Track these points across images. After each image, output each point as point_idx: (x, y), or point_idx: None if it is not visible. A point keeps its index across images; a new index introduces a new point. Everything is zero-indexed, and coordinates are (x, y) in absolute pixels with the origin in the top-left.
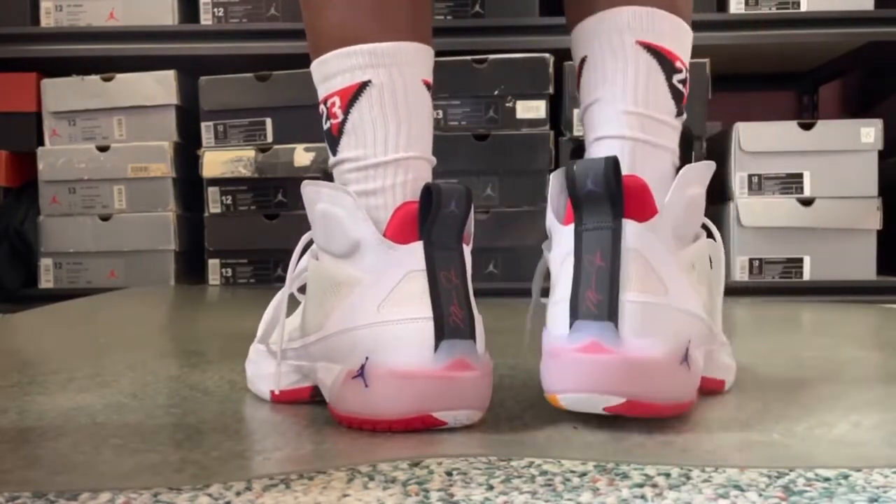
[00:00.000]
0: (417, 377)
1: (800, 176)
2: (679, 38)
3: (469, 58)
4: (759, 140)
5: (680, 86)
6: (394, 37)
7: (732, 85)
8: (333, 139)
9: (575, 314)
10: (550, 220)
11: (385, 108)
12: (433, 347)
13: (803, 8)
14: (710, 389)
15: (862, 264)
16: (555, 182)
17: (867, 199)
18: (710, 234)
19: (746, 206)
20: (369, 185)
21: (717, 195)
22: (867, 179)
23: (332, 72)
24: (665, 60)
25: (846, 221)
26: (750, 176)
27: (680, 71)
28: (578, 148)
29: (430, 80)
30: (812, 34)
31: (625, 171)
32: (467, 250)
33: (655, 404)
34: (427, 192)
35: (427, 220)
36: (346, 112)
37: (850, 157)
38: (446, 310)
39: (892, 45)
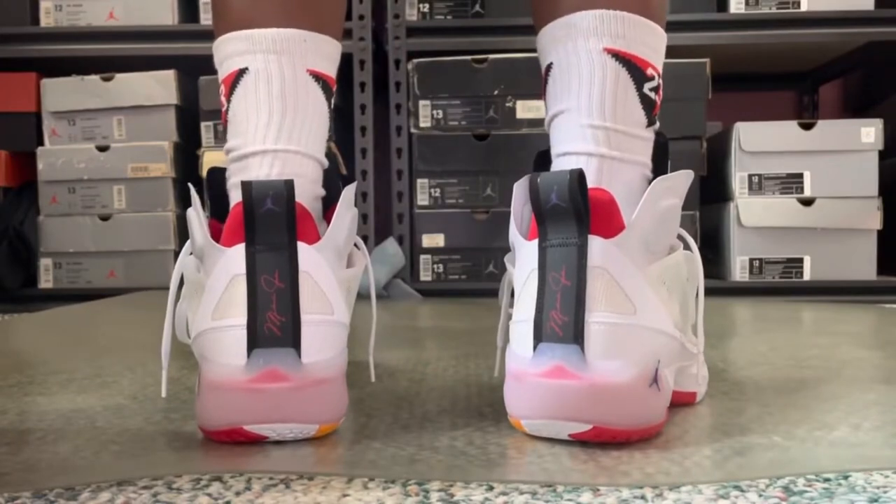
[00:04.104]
0: (225, 389)
1: (800, 176)
2: (651, 42)
3: (469, 58)
4: (759, 140)
5: (651, 94)
6: (280, 23)
7: (732, 85)
8: (225, 128)
9: (539, 335)
10: (513, 233)
11: (259, 95)
12: (245, 357)
13: (803, 8)
14: (681, 402)
15: (862, 264)
16: (518, 193)
17: (867, 199)
18: (687, 246)
19: (746, 206)
20: (241, 176)
21: (717, 195)
22: (867, 179)
23: (220, 58)
24: (635, 69)
25: (846, 221)
26: (750, 176)
27: (652, 78)
28: (542, 155)
29: (325, 71)
30: (812, 34)
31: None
32: (323, 246)
33: (623, 430)
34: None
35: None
36: (229, 100)
37: (850, 157)
38: (262, 316)
39: (892, 45)
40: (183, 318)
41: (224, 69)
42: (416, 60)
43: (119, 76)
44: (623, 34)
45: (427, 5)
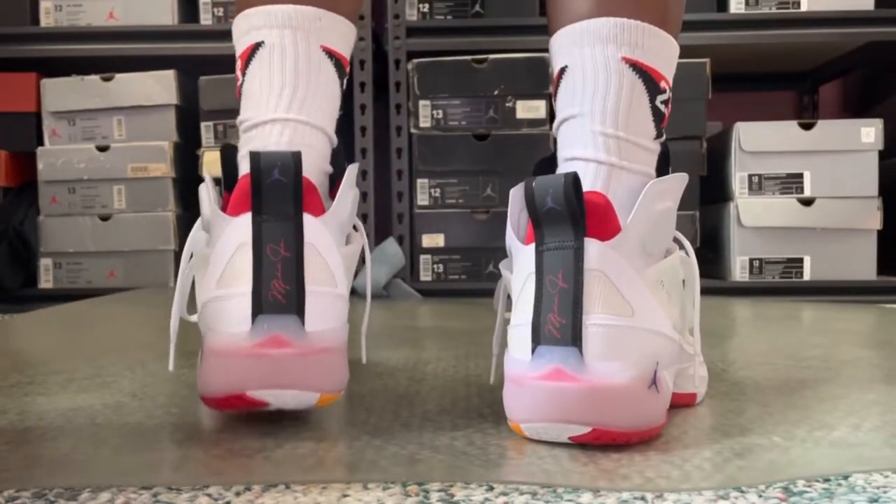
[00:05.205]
0: (228, 354)
1: (800, 176)
2: (666, 55)
3: (469, 58)
4: (759, 140)
5: (662, 107)
6: (296, 0)
7: (732, 85)
8: (239, 103)
9: (537, 339)
10: (510, 238)
11: (273, 68)
12: (249, 323)
13: (803, 8)
14: (681, 404)
15: (862, 264)
16: (514, 199)
17: (867, 199)
18: (683, 249)
19: (746, 206)
20: (251, 145)
21: (717, 195)
22: (867, 179)
23: (238, 34)
24: (650, 80)
25: (846, 221)
26: (750, 176)
27: (664, 91)
28: (542, 163)
29: (338, 50)
30: (812, 34)
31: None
32: (328, 220)
33: (623, 432)
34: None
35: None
36: (245, 73)
37: (850, 157)
38: (266, 284)
39: (892, 45)
40: (186, 295)
41: (241, 44)
42: (416, 60)
43: (119, 76)
44: (642, 44)
45: (427, 5)
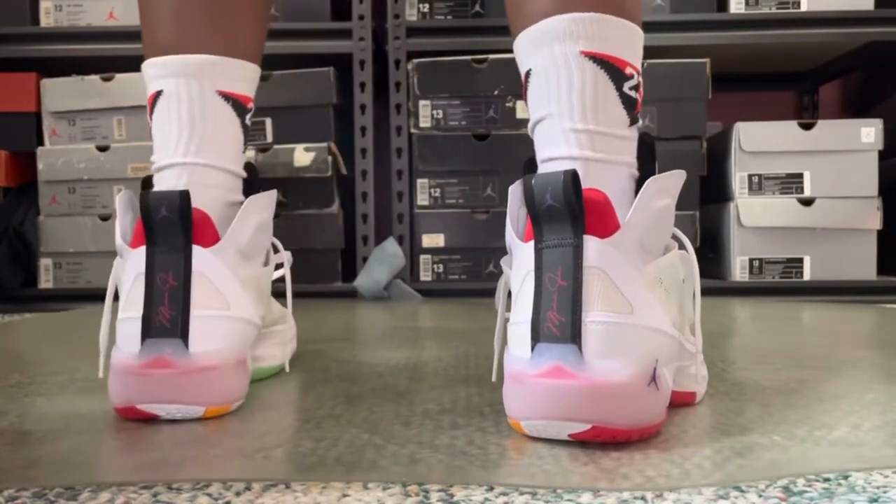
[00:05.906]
0: (122, 372)
1: (800, 176)
2: (628, 42)
3: (469, 58)
4: (759, 140)
5: (632, 93)
6: (191, 50)
7: (732, 85)
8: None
9: (537, 336)
10: (510, 235)
11: (171, 115)
12: (139, 345)
13: (803, 8)
14: (681, 402)
15: (862, 264)
16: (514, 196)
17: (867, 199)
18: (682, 246)
19: (746, 206)
20: (159, 186)
21: (717, 195)
22: (867, 179)
23: (145, 80)
24: (614, 69)
25: (846, 221)
26: (750, 176)
27: (631, 77)
28: (531, 162)
29: (236, 91)
30: (812, 34)
31: None
32: (223, 248)
33: (622, 429)
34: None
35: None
36: (151, 118)
37: (850, 157)
38: (155, 310)
39: (892, 45)
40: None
41: (147, 91)
42: (416, 60)
43: (119, 76)
44: (599, 35)
45: (427, 5)
